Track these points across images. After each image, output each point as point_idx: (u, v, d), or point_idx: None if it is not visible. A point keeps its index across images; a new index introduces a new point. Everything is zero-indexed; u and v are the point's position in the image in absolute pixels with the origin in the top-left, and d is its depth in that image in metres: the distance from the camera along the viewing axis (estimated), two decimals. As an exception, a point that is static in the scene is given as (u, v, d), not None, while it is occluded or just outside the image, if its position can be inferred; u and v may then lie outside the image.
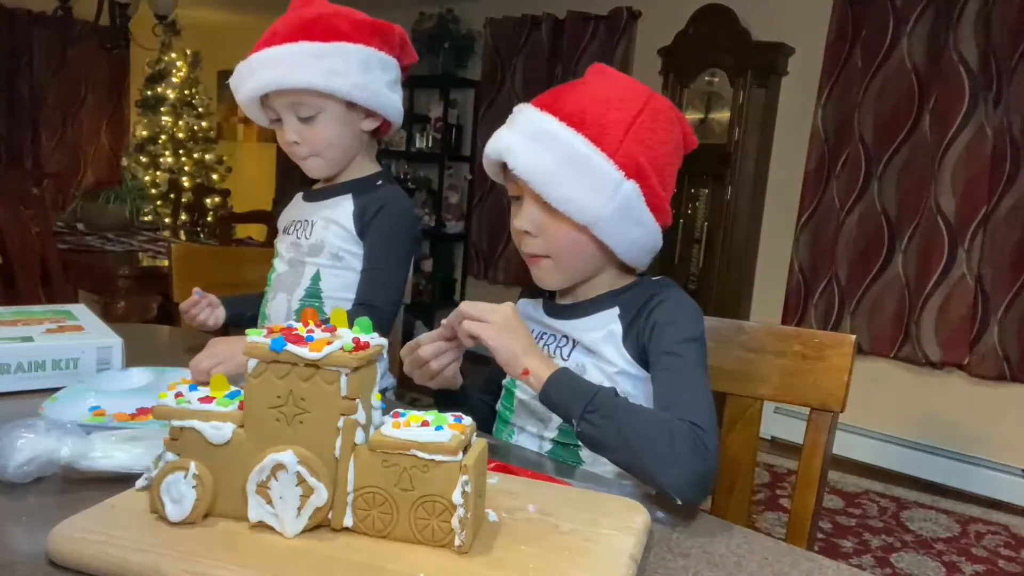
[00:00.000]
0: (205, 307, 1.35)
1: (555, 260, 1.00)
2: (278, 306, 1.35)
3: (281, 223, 1.42)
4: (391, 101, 1.30)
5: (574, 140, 0.92)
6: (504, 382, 1.12)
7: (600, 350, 1.00)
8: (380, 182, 1.35)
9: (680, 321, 0.97)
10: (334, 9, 1.26)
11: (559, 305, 1.07)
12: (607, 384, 0.94)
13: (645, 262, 1.03)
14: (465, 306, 0.93)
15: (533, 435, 1.04)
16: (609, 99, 0.95)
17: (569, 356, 1.02)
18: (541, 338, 1.07)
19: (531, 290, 1.12)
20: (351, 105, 1.26)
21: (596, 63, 1.04)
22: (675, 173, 1.01)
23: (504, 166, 0.99)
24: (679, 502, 0.81)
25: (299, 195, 1.43)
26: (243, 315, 1.41)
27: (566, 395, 0.88)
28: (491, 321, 0.91)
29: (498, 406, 1.12)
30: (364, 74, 1.24)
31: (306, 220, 1.35)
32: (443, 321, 0.97)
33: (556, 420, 1.03)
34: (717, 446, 0.85)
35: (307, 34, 1.22)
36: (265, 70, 1.23)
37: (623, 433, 0.84)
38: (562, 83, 1.02)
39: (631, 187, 0.93)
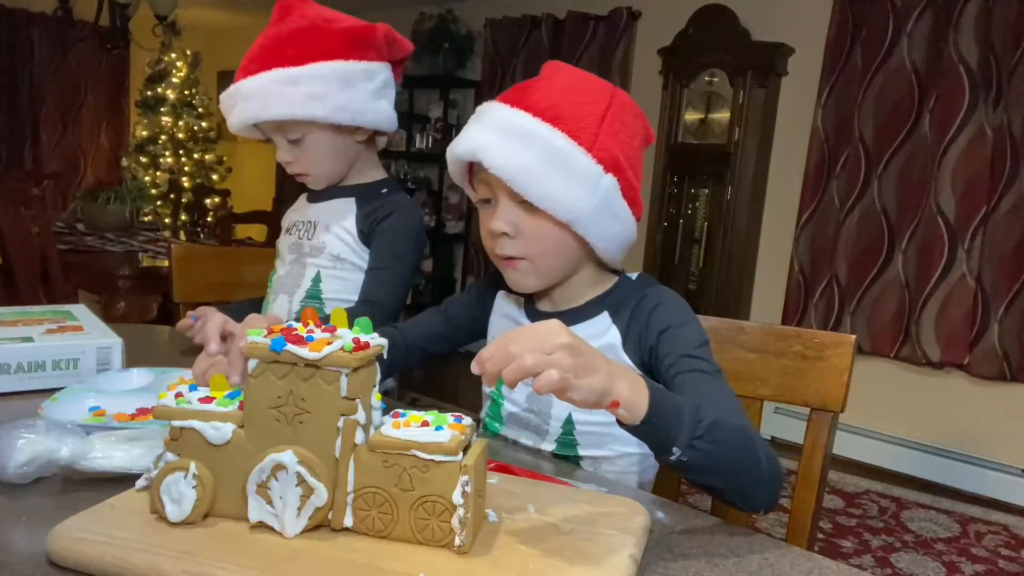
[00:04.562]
0: (201, 329, 1.33)
1: (532, 261, 0.96)
2: (279, 308, 1.35)
3: (284, 223, 1.42)
4: (379, 111, 1.27)
5: (552, 136, 0.90)
6: (486, 390, 1.08)
7: None
8: (385, 190, 1.35)
9: (691, 323, 0.96)
10: (310, 21, 1.22)
11: (543, 313, 1.02)
12: None
13: (620, 258, 1.01)
14: (515, 347, 0.66)
15: (528, 448, 1.01)
16: (578, 92, 0.94)
17: None
18: None
19: (496, 279, 1.07)
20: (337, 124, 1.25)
21: (550, 61, 1.01)
22: (642, 166, 1.01)
23: (468, 168, 0.97)
24: (762, 512, 0.82)
25: (303, 196, 1.43)
26: None
27: (668, 421, 0.72)
28: (558, 363, 0.65)
29: (482, 414, 1.09)
30: (344, 92, 1.21)
31: (309, 221, 1.35)
32: (479, 364, 0.68)
33: (554, 432, 0.99)
34: None
35: (280, 58, 1.20)
36: (244, 103, 1.22)
37: (729, 457, 0.76)
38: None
39: (610, 181, 0.92)
